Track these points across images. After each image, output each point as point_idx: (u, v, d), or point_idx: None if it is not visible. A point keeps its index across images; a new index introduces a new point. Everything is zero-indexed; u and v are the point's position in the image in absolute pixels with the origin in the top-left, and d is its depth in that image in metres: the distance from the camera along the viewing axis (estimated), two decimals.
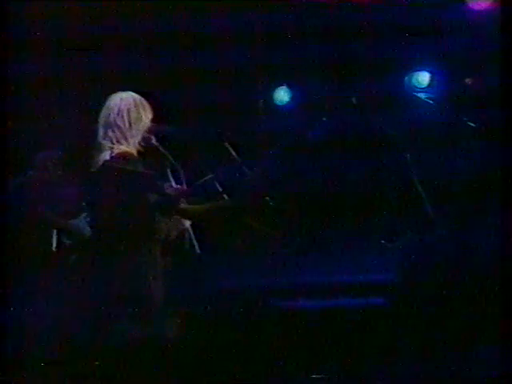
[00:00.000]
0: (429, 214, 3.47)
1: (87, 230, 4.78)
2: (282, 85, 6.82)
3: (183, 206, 3.92)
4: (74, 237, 5.38)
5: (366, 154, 3.43)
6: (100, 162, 3.90)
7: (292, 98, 6.80)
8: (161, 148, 4.03)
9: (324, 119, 3.49)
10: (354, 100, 3.58)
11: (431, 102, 5.69)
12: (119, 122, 3.97)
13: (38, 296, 4.67)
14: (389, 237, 3.40)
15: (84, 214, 5.19)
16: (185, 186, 3.96)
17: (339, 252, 3.34)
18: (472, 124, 4.78)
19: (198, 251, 4.19)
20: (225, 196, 3.94)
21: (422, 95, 5.79)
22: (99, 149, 3.96)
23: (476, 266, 3.24)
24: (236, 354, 3.37)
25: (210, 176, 3.97)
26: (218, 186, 3.98)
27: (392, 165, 3.44)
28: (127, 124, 3.97)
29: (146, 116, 4.02)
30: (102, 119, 4.01)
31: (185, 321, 3.63)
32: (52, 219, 5.48)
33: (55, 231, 5.42)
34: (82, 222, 5.28)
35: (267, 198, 3.66)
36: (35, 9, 5.54)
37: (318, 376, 3.31)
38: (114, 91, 4.08)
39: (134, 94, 4.06)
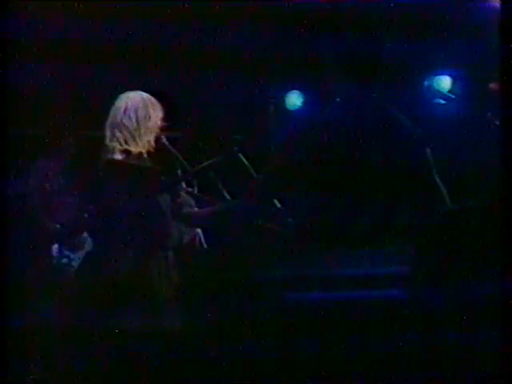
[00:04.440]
0: (447, 206, 3.34)
1: (89, 243, 4.60)
2: (294, 89, 6.71)
3: (189, 210, 3.77)
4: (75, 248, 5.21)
5: (384, 147, 3.27)
6: (104, 161, 3.73)
7: (304, 103, 6.70)
8: (172, 149, 3.85)
9: (338, 99, 3.28)
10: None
11: (453, 96, 5.58)
12: (126, 122, 3.78)
13: (39, 300, 4.50)
14: (405, 230, 3.26)
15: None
16: (196, 189, 3.80)
17: (357, 244, 3.19)
18: (495, 121, 4.65)
19: (205, 246, 4.09)
20: (226, 195, 3.79)
21: (442, 99, 5.70)
22: (106, 151, 3.77)
23: (495, 263, 3.11)
24: (247, 347, 3.22)
25: (211, 161, 3.77)
26: (225, 193, 3.82)
27: (412, 158, 3.29)
28: (135, 123, 3.77)
29: (156, 114, 3.82)
30: (109, 120, 3.82)
31: (193, 315, 3.52)
32: (54, 230, 5.32)
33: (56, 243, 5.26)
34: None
35: (276, 200, 3.49)
36: (36, 11, 5.38)
37: None
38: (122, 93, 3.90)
39: (142, 92, 3.87)
